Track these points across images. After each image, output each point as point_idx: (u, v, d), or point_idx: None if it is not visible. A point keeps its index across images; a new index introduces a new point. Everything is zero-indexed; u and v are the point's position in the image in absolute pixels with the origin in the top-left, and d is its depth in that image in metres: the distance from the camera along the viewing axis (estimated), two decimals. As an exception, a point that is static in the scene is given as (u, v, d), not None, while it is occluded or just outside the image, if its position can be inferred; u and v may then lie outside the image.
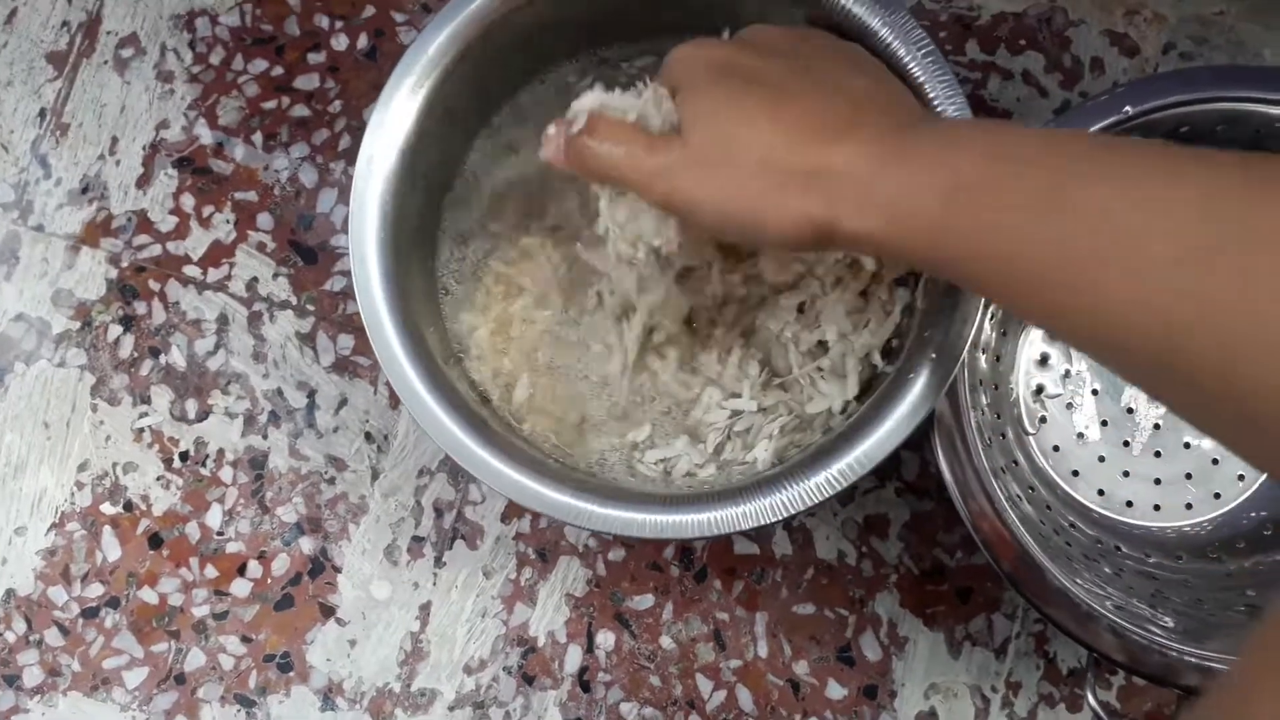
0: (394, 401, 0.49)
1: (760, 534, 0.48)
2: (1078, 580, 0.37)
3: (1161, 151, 0.26)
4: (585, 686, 0.47)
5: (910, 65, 0.38)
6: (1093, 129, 0.37)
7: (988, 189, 0.28)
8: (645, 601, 0.48)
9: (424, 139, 0.40)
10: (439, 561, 0.48)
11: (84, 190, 0.50)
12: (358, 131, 0.50)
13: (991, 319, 0.42)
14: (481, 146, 0.44)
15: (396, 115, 0.39)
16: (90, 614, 0.48)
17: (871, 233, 0.30)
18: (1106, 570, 0.39)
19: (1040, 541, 0.36)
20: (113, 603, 0.48)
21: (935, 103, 0.38)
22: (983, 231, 0.28)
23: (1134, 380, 0.29)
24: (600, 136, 0.33)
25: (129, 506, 0.48)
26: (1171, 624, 0.36)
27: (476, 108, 0.43)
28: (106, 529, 0.48)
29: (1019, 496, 0.39)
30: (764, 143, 0.31)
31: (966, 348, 0.36)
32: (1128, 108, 0.37)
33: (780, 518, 0.35)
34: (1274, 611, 0.22)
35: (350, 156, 0.50)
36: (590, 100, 0.34)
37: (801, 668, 0.47)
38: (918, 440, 0.48)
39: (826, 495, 0.35)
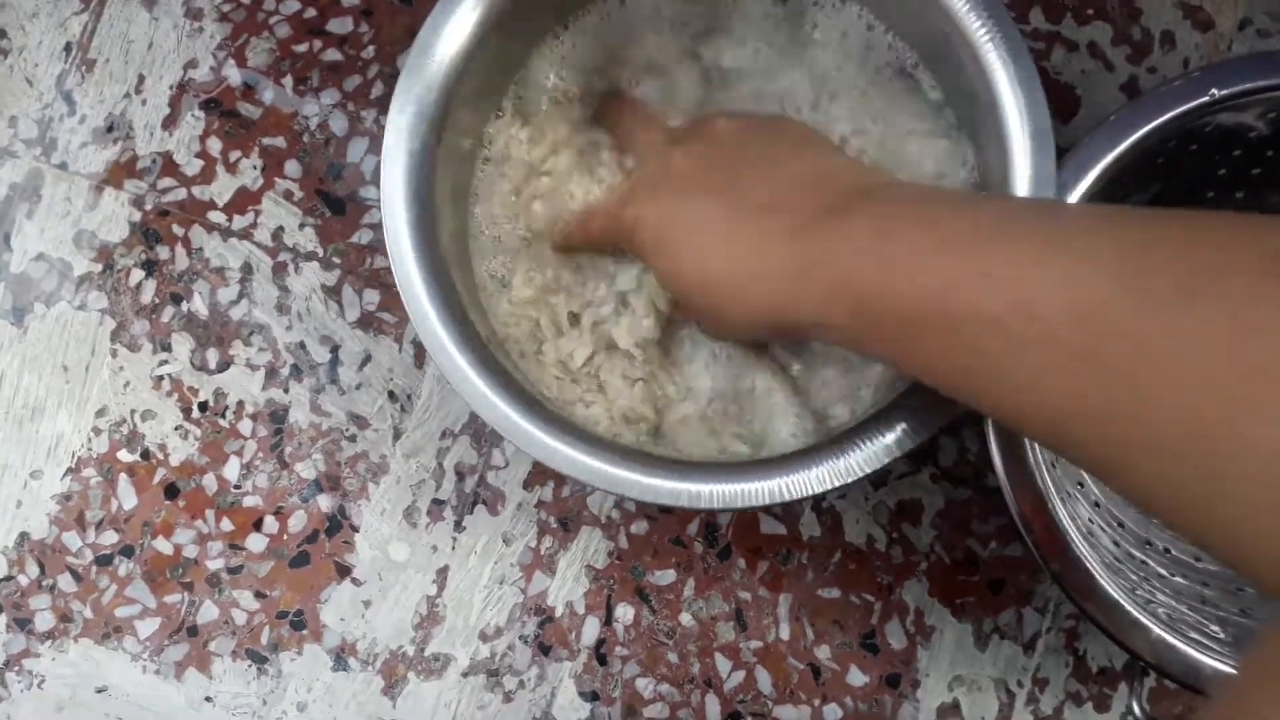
0: (419, 360, 0.47)
1: (788, 514, 0.47)
2: (1123, 582, 0.35)
3: (1048, 233, 0.26)
4: (602, 659, 0.46)
5: (967, 12, 0.36)
6: (1176, 112, 0.35)
7: (878, 298, 0.29)
8: (667, 577, 0.47)
9: (460, 91, 0.38)
10: (459, 526, 0.47)
11: (109, 129, 0.49)
12: (390, 79, 0.48)
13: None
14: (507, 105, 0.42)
15: (435, 60, 0.37)
16: (104, 561, 0.47)
17: (819, 328, 0.31)
18: (1154, 572, 0.38)
19: (1088, 540, 0.35)
20: (127, 551, 0.47)
21: (986, 42, 0.36)
22: (882, 337, 0.30)
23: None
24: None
25: (146, 455, 0.47)
26: (1220, 633, 0.35)
27: (514, 54, 0.41)
28: (123, 476, 0.47)
29: (1069, 494, 0.37)
30: (706, 256, 0.34)
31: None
32: (1214, 90, 0.35)
33: (818, 491, 0.34)
34: (1273, 622, 0.22)
35: (382, 105, 0.48)
36: None
37: (823, 652, 0.46)
38: (957, 426, 0.46)
39: (866, 472, 0.34)
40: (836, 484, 0.34)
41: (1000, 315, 0.26)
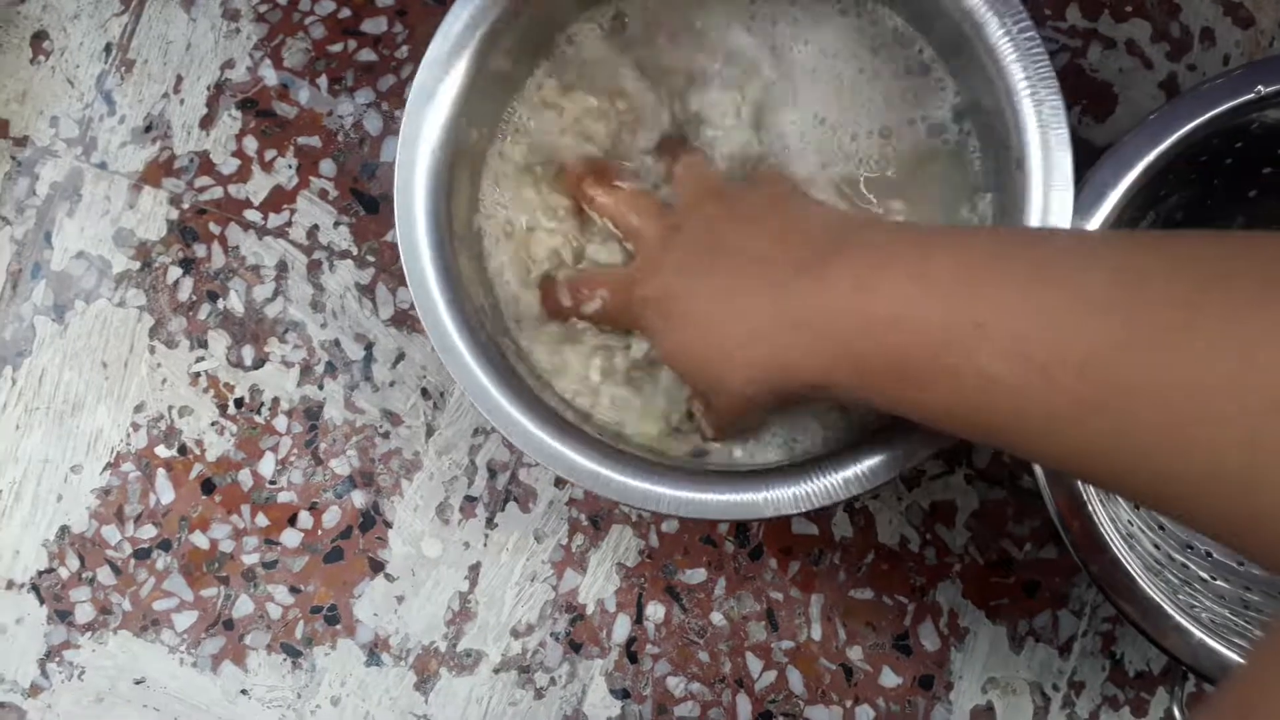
0: (451, 358, 0.48)
1: (820, 514, 0.47)
2: (1163, 585, 0.35)
3: (1053, 255, 0.26)
4: (633, 658, 0.46)
5: (1002, 42, 0.36)
6: (1220, 109, 0.35)
7: (871, 356, 0.28)
8: (698, 576, 0.47)
9: (478, 87, 0.38)
10: (490, 522, 0.47)
11: (147, 129, 0.49)
12: (425, 78, 0.49)
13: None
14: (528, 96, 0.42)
15: (451, 58, 0.37)
16: (142, 555, 0.48)
17: (822, 387, 0.31)
18: (1196, 576, 0.37)
19: (1128, 542, 0.34)
20: (164, 545, 0.48)
21: (1027, 84, 0.35)
22: (886, 393, 0.29)
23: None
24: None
25: (183, 450, 0.48)
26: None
27: (533, 50, 0.41)
28: (160, 471, 0.48)
29: (1108, 494, 0.37)
30: (704, 325, 0.34)
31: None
32: (1260, 87, 0.34)
33: (843, 499, 0.34)
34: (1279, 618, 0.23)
35: (416, 104, 0.48)
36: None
37: (856, 653, 0.46)
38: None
39: (884, 479, 0.34)
40: (863, 489, 0.34)
41: (999, 370, 0.25)
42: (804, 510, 0.34)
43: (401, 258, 0.37)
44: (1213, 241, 0.24)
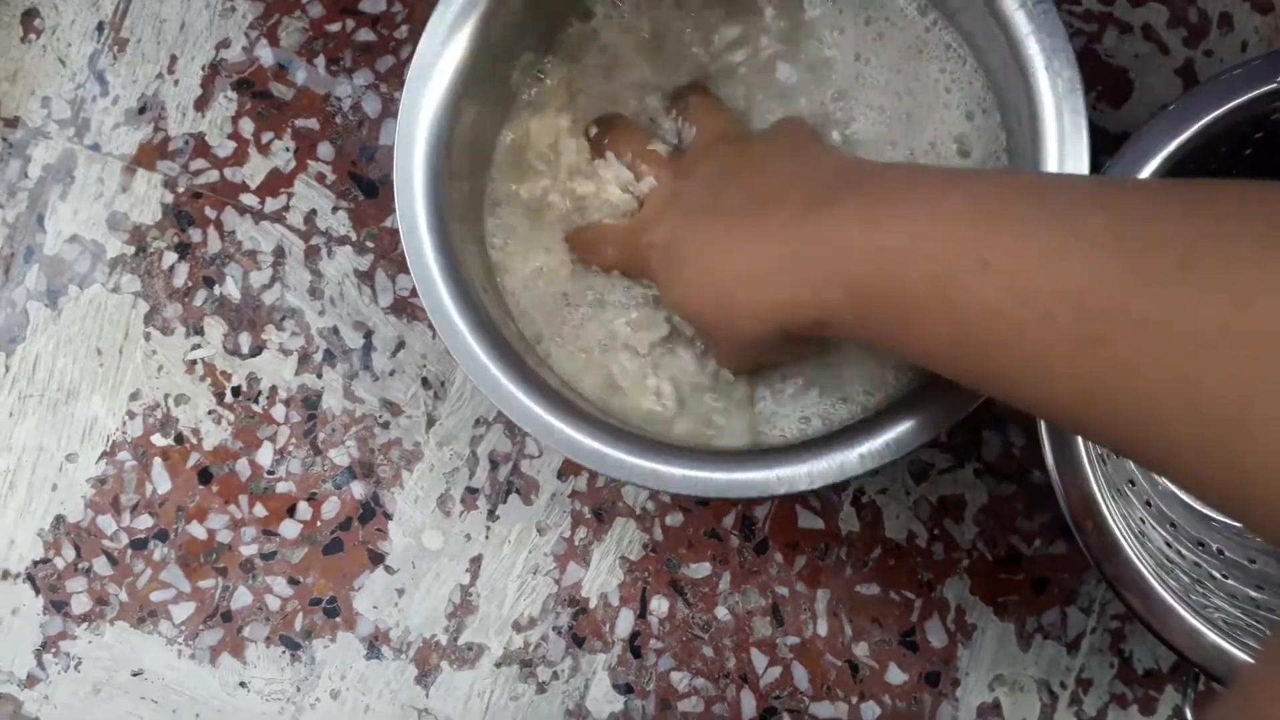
0: (452, 348, 0.47)
1: (826, 508, 0.46)
2: (1175, 584, 0.34)
3: (1051, 204, 0.26)
4: (636, 652, 0.46)
5: (1018, 19, 0.35)
6: (1239, 100, 0.34)
7: (873, 286, 0.29)
8: (702, 570, 0.46)
9: (476, 69, 0.37)
10: (492, 514, 0.46)
11: (141, 110, 0.48)
12: (425, 60, 0.48)
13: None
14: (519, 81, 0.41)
15: (450, 36, 0.37)
16: (139, 545, 0.47)
17: (823, 325, 0.31)
18: (1207, 574, 0.37)
19: (1140, 542, 0.34)
20: (161, 535, 0.47)
21: (1041, 63, 0.34)
22: (882, 326, 0.29)
23: None
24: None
25: (180, 439, 0.47)
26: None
27: (531, 34, 0.40)
28: (157, 461, 0.47)
29: (1120, 492, 0.36)
30: (710, 268, 0.33)
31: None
32: None
33: (815, 487, 0.34)
34: None
35: (417, 87, 0.47)
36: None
37: (862, 649, 0.45)
38: (1001, 419, 0.45)
39: (857, 473, 0.34)
40: (836, 480, 0.34)
41: (1000, 305, 0.25)
42: (815, 487, 0.34)
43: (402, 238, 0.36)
44: (1217, 188, 0.25)
